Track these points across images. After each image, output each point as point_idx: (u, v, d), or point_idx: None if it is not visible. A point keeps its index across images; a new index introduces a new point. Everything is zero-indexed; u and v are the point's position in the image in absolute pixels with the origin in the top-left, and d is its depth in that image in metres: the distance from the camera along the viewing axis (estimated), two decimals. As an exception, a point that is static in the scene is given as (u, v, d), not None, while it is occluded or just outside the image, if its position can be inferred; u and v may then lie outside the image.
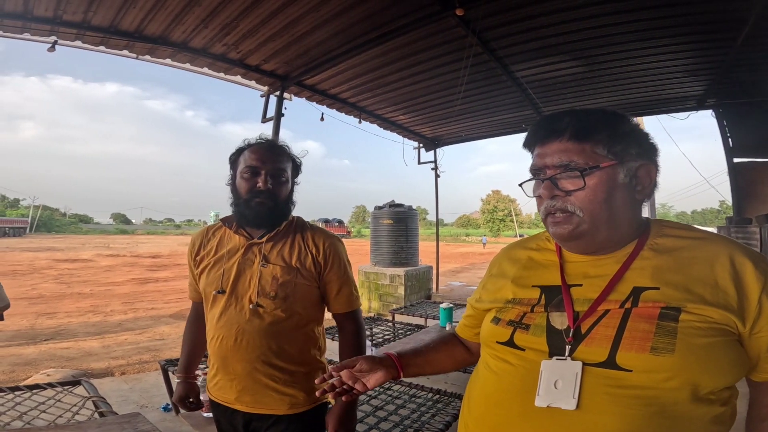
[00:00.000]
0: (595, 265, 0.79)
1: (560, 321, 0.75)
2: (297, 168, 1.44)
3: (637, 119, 7.90)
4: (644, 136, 0.79)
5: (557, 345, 0.73)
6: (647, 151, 0.79)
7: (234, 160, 1.39)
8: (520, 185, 0.85)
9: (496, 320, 0.85)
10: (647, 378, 0.65)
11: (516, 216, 60.79)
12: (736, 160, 5.59)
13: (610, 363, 0.67)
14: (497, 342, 0.82)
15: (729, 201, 5.73)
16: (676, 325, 0.66)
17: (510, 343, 0.79)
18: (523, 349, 0.77)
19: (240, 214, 1.35)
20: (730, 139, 5.58)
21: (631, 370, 0.66)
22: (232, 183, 1.38)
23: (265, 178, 1.31)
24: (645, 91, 5.41)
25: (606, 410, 0.66)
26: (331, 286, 1.39)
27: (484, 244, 38.43)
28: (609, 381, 0.67)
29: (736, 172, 5.58)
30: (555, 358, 0.72)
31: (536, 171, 0.81)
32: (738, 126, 5.52)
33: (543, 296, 0.81)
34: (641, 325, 0.68)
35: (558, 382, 0.69)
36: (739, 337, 0.69)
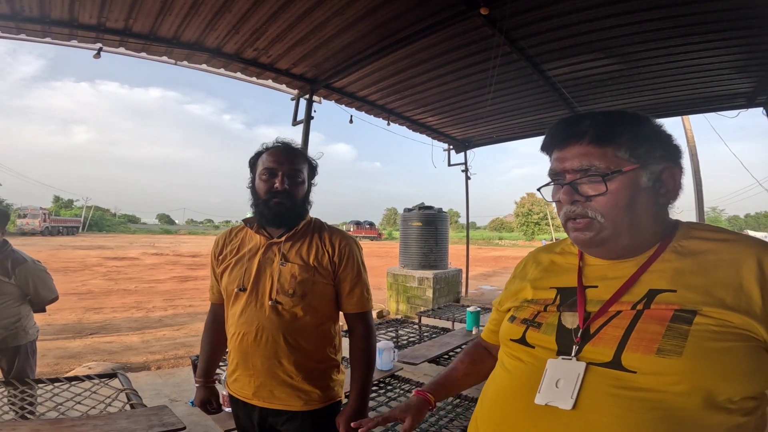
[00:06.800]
0: (615, 268, 0.79)
1: (571, 320, 0.76)
2: (313, 169, 1.48)
3: (683, 118, 7.49)
4: (668, 138, 0.77)
5: (566, 344, 0.74)
6: (671, 153, 0.77)
7: (253, 163, 1.44)
8: (539, 189, 0.84)
9: (512, 318, 0.87)
10: (653, 380, 0.63)
11: (552, 219, 58.95)
12: (790, 161, 5.19)
13: (615, 363, 0.66)
14: (511, 339, 0.83)
15: (784, 204, 5.31)
16: (688, 328, 0.64)
17: (522, 340, 0.81)
18: (534, 347, 0.78)
19: (260, 215, 1.40)
20: (784, 139, 5.19)
21: (635, 372, 0.64)
22: (252, 185, 1.43)
23: (282, 179, 1.35)
24: (689, 88, 5.09)
25: (606, 411, 0.65)
26: (344, 285, 1.41)
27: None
28: (613, 382, 0.66)
29: (791, 174, 5.18)
30: (561, 357, 0.72)
31: (555, 175, 0.79)
32: (794, 124, 5.13)
33: (558, 296, 0.82)
34: (651, 327, 0.66)
35: (560, 382, 0.70)
36: (765, 344, 0.64)
